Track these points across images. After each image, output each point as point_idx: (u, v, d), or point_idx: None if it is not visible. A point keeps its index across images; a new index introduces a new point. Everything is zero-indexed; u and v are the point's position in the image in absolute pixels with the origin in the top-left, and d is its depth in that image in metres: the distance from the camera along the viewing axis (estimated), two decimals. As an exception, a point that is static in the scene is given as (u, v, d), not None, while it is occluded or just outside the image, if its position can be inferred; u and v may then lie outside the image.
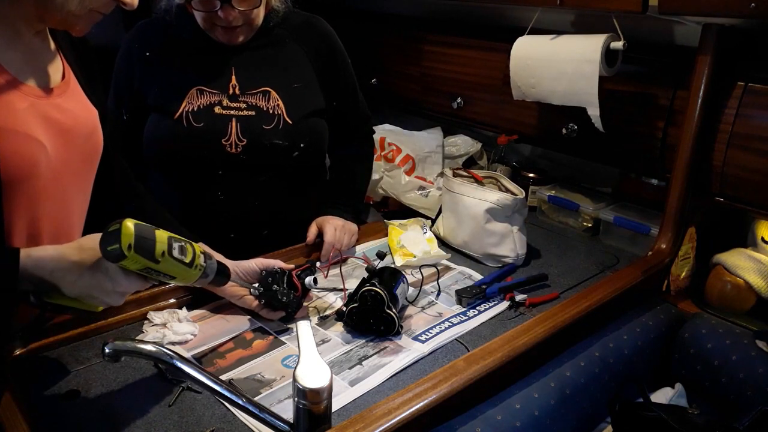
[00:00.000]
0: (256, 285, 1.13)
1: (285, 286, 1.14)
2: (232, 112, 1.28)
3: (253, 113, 1.28)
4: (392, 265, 1.33)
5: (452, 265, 1.41)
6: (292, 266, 1.18)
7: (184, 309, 1.16)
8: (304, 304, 1.18)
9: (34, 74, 0.93)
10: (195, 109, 1.27)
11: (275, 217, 1.36)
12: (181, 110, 1.26)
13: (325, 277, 1.30)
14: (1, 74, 0.87)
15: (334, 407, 0.90)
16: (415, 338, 1.11)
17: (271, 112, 1.29)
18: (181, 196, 1.34)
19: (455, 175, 1.49)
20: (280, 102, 1.30)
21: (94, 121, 1.03)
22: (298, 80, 1.34)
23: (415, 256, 1.39)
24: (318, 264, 1.27)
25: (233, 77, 1.30)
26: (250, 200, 1.33)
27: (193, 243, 0.90)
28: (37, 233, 0.95)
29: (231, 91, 1.29)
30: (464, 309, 1.22)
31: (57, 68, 0.98)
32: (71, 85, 1.00)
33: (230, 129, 1.27)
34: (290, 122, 1.30)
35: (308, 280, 1.15)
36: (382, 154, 1.79)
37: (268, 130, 1.28)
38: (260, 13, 1.27)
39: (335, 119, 1.41)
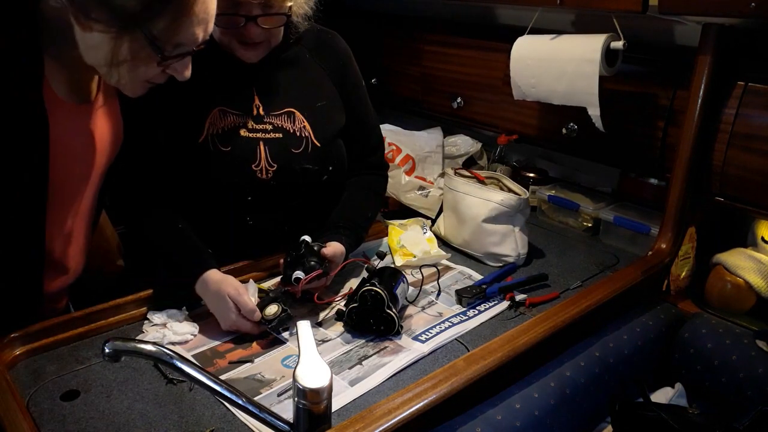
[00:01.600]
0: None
1: (309, 259, 1.15)
2: (258, 134, 1.24)
3: (281, 135, 1.25)
4: (392, 265, 1.34)
5: (452, 264, 1.41)
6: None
7: (184, 309, 1.16)
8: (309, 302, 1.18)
9: (73, 90, 0.99)
10: (219, 131, 1.22)
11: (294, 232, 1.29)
12: (205, 133, 1.21)
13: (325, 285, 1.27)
14: (44, 89, 0.93)
15: (334, 407, 0.90)
16: (415, 338, 1.11)
17: (298, 134, 1.26)
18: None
19: (456, 174, 1.49)
20: (306, 123, 1.27)
21: (119, 135, 1.12)
22: (321, 99, 1.31)
23: (415, 256, 1.39)
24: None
25: (256, 97, 1.25)
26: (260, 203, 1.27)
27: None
28: (53, 238, 1.05)
29: (255, 112, 1.24)
30: (464, 309, 1.22)
31: (94, 84, 1.04)
32: (102, 101, 1.06)
33: (259, 154, 1.23)
34: (318, 145, 1.27)
35: (297, 274, 1.13)
36: (383, 154, 1.79)
37: (297, 154, 1.25)
38: (281, 32, 1.24)
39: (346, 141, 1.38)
